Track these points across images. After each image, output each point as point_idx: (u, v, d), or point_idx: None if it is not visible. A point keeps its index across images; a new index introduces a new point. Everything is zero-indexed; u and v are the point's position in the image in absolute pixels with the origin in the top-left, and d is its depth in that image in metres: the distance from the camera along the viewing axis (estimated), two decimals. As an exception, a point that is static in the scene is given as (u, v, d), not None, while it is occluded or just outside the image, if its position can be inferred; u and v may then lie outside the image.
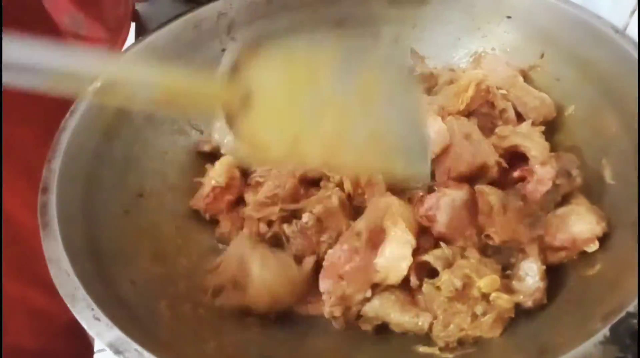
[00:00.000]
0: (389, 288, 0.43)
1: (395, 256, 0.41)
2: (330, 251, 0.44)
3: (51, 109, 0.50)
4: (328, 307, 0.42)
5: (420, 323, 0.41)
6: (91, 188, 0.46)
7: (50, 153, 0.45)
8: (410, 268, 0.41)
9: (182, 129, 0.58)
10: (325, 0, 0.63)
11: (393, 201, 0.44)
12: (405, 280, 0.42)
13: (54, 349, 0.59)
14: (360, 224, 0.43)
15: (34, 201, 0.42)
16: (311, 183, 0.50)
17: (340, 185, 0.47)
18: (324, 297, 0.43)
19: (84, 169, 0.47)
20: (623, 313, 0.31)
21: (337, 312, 0.42)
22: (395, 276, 0.42)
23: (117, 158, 0.51)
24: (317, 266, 0.45)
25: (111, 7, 0.65)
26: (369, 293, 0.42)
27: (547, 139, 0.48)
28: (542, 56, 0.55)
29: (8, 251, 0.49)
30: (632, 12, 0.46)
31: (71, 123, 0.48)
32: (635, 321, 0.30)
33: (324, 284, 0.43)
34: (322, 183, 0.48)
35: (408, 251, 0.41)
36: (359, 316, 0.43)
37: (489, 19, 0.59)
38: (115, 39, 0.71)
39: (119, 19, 0.68)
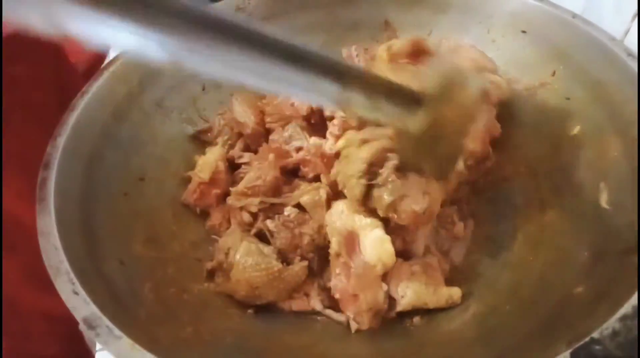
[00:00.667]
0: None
1: (375, 244, 0.42)
2: (331, 283, 0.45)
3: (53, 106, 0.52)
4: (367, 324, 0.44)
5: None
6: (93, 167, 0.48)
7: (57, 130, 0.47)
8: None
9: (191, 119, 0.59)
10: (342, 2, 0.64)
11: (339, 205, 0.45)
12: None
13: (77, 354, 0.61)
14: (334, 244, 0.44)
15: None
16: (291, 172, 0.51)
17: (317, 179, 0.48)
18: (358, 319, 0.44)
19: (88, 148, 0.48)
20: (587, 339, 0.30)
21: (374, 321, 0.44)
22: (389, 258, 0.43)
23: (123, 140, 0.52)
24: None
25: None
26: (385, 287, 0.44)
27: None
28: (554, 73, 0.54)
29: (22, 258, 0.51)
30: (634, 17, 0.46)
31: (81, 103, 0.50)
32: (599, 347, 0.30)
33: (351, 312, 0.44)
34: (300, 172, 0.49)
35: (381, 232, 0.42)
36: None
37: (505, 32, 0.58)
38: None
39: None
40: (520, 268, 0.46)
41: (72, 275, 0.37)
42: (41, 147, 0.45)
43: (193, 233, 0.53)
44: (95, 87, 0.51)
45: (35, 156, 0.45)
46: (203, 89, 0.60)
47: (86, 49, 0.65)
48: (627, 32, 0.47)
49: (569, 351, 0.30)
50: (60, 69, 0.56)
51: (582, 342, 0.30)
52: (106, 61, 0.55)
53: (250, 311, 0.47)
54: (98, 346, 0.64)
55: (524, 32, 0.56)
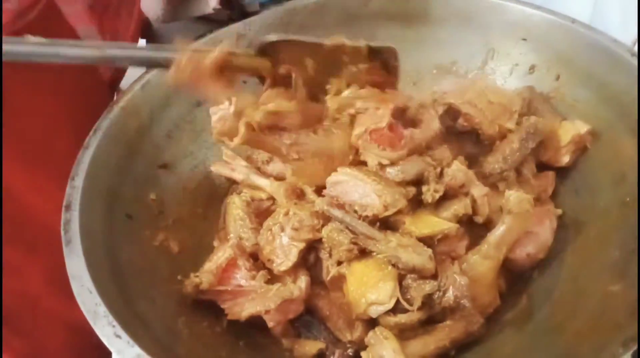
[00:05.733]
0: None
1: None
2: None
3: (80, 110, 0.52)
4: None
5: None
6: (113, 205, 0.47)
7: (74, 170, 0.46)
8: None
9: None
10: (340, 22, 0.64)
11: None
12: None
13: None
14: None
15: None
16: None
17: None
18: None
19: (106, 186, 0.48)
20: (644, 339, 0.31)
21: None
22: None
23: (137, 174, 0.52)
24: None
25: (123, 21, 0.66)
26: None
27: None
28: (558, 77, 0.55)
29: (46, 261, 0.50)
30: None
31: (94, 141, 0.49)
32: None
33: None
34: None
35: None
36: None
37: (505, 41, 0.59)
38: None
39: (129, 34, 0.69)
40: (550, 272, 0.47)
41: (111, 318, 0.36)
42: (67, 145, 0.46)
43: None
44: (106, 124, 0.50)
45: (62, 154, 0.47)
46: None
47: None
48: (635, 43, 0.48)
49: (630, 353, 0.30)
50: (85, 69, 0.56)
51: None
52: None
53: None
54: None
55: (524, 39, 0.58)
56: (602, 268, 0.43)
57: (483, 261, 0.44)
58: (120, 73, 0.64)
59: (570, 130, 0.51)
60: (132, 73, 0.58)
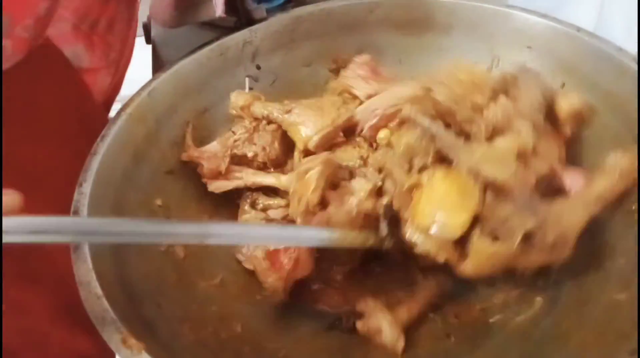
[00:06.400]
0: None
1: None
2: None
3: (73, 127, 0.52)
4: None
5: None
6: (119, 212, 0.47)
7: (82, 176, 0.47)
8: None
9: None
10: (345, 29, 0.65)
11: None
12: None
13: None
14: None
15: None
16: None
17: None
18: None
19: (112, 193, 0.48)
20: (651, 348, 0.31)
21: None
22: None
23: (143, 181, 0.52)
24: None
25: (118, 28, 0.66)
26: None
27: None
28: (563, 85, 0.55)
29: (51, 293, 0.49)
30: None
31: (102, 147, 0.49)
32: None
33: None
34: None
35: None
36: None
37: (509, 49, 0.59)
38: (117, 61, 0.72)
39: (122, 40, 0.69)
40: (555, 280, 0.47)
41: (119, 324, 0.37)
42: (63, 163, 0.45)
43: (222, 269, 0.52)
44: (115, 130, 0.50)
45: (57, 172, 0.46)
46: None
47: (100, 80, 0.65)
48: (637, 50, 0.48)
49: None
50: (80, 94, 0.56)
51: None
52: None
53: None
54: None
55: (529, 47, 0.58)
56: (608, 276, 0.43)
57: (578, 210, 0.42)
58: (114, 92, 0.64)
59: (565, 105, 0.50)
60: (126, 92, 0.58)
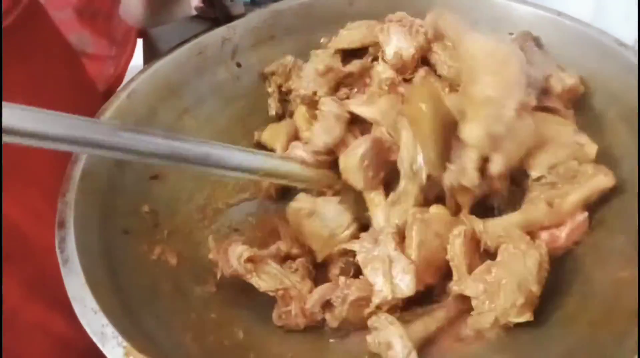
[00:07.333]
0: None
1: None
2: None
3: None
4: None
5: None
6: (107, 221, 0.45)
7: (64, 185, 0.44)
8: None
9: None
10: (324, 24, 0.64)
11: None
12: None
13: None
14: None
15: (46, 215, 0.41)
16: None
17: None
18: None
19: (99, 201, 0.46)
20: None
21: None
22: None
23: (129, 186, 0.50)
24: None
25: (116, 22, 0.65)
26: None
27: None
28: (546, 70, 0.56)
29: (23, 270, 0.47)
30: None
31: (82, 155, 0.47)
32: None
33: None
34: None
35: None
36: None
37: (492, 35, 0.59)
38: (120, 54, 0.71)
39: (125, 34, 0.68)
40: (556, 262, 0.47)
41: (120, 338, 0.35)
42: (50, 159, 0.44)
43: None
44: (95, 136, 0.48)
45: (44, 166, 0.45)
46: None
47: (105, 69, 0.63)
48: (637, 41, 0.49)
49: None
50: (78, 82, 0.53)
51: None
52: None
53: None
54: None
55: (511, 34, 0.58)
56: (609, 254, 0.43)
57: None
58: (116, 82, 0.62)
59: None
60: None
